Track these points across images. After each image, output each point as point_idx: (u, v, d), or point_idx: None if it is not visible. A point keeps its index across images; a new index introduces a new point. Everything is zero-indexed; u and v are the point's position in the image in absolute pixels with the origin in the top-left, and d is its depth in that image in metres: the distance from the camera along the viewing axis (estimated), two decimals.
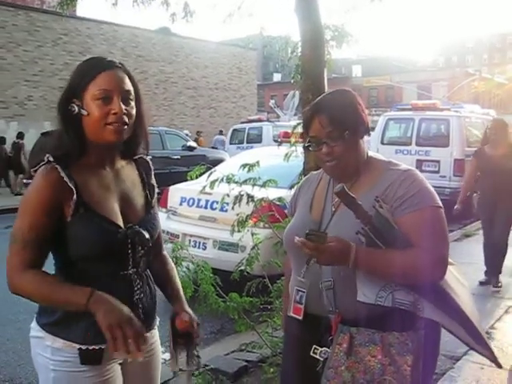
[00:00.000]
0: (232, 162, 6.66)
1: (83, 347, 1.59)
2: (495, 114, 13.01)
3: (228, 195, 3.94)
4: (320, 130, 1.78)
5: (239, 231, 3.80)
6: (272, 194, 3.94)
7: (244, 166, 3.83)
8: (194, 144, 15.83)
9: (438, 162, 11.00)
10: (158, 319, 1.84)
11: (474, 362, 3.90)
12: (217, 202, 5.18)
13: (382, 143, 11.98)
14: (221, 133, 22.68)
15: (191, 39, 26.92)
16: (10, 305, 5.47)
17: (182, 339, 1.74)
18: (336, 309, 1.76)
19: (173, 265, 1.97)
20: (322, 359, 1.78)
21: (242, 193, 3.78)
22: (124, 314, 1.50)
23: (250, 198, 3.76)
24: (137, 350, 1.45)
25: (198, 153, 14.93)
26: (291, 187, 3.99)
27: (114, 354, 1.48)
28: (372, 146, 11.26)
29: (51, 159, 1.58)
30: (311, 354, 1.80)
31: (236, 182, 3.84)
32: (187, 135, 20.33)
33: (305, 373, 1.88)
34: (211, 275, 3.64)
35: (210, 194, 4.47)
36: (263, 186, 3.80)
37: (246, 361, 3.93)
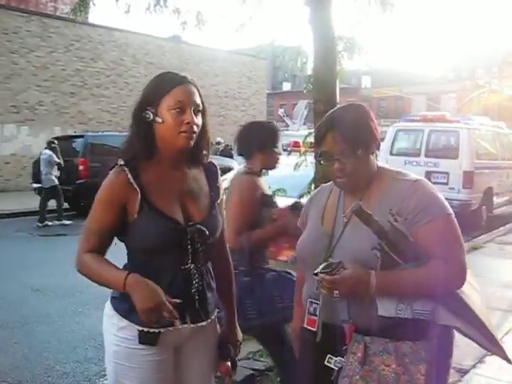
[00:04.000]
0: None
1: (144, 329, 1.77)
2: (505, 126, 12.98)
3: None
4: (333, 146, 1.79)
5: None
6: (281, 202, 3.94)
7: None
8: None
9: (447, 173, 10.98)
10: (216, 310, 1.99)
11: (481, 375, 3.89)
12: None
13: (391, 154, 11.98)
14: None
15: (201, 48, 26.98)
16: (18, 308, 5.51)
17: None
18: (350, 318, 1.76)
19: (232, 275, 2.13)
20: (336, 368, 1.79)
21: None
22: (156, 299, 1.65)
23: None
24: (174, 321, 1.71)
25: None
26: (300, 196, 4.01)
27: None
28: (381, 157, 11.23)
29: (122, 163, 1.79)
30: (325, 363, 1.81)
31: None
32: (219, 143, 20.21)
33: (319, 382, 1.89)
34: None
35: None
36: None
37: (253, 369, 3.92)
